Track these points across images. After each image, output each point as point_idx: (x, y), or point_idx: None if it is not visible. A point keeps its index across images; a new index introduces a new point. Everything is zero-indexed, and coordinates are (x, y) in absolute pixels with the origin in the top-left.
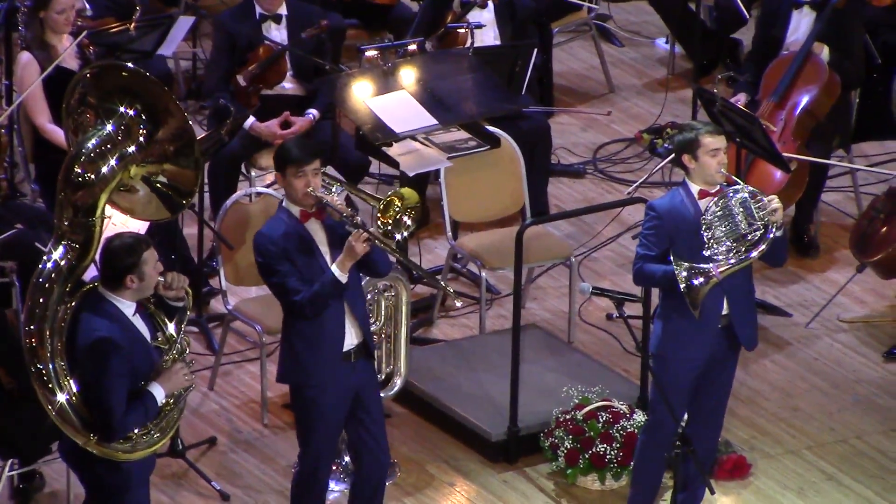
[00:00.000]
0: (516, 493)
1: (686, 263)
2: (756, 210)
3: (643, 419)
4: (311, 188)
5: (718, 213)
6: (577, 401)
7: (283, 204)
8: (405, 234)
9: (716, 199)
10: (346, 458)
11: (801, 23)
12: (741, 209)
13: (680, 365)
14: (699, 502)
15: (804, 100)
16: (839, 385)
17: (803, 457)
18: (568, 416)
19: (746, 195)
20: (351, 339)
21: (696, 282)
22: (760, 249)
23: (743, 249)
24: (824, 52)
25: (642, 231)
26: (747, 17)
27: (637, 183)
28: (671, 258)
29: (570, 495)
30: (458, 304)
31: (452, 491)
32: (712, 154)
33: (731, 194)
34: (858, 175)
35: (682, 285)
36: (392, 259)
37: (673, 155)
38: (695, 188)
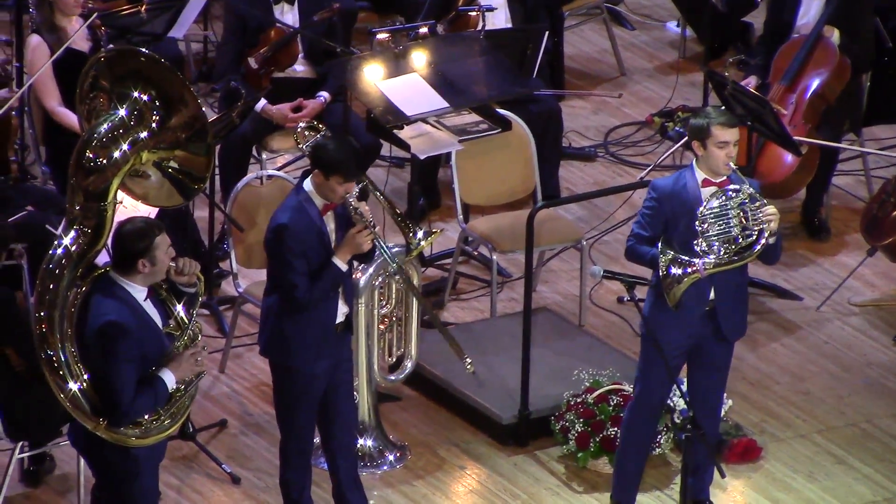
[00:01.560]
0: (527, 476)
1: (671, 253)
2: (753, 215)
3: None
4: (349, 195)
5: (715, 211)
6: (587, 384)
7: (308, 191)
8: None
9: (715, 195)
10: None
11: (812, 6)
12: (738, 211)
13: (664, 345)
14: (708, 486)
15: (815, 83)
16: (850, 368)
17: (814, 440)
18: (579, 400)
19: (746, 198)
20: (339, 316)
21: (675, 271)
22: (750, 255)
23: (733, 251)
24: (835, 35)
25: (641, 209)
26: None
27: (649, 167)
28: (658, 244)
29: (580, 478)
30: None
31: (463, 474)
32: (721, 146)
33: (731, 194)
34: (869, 158)
35: (662, 272)
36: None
37: (685, 139)
38: (700, 175)
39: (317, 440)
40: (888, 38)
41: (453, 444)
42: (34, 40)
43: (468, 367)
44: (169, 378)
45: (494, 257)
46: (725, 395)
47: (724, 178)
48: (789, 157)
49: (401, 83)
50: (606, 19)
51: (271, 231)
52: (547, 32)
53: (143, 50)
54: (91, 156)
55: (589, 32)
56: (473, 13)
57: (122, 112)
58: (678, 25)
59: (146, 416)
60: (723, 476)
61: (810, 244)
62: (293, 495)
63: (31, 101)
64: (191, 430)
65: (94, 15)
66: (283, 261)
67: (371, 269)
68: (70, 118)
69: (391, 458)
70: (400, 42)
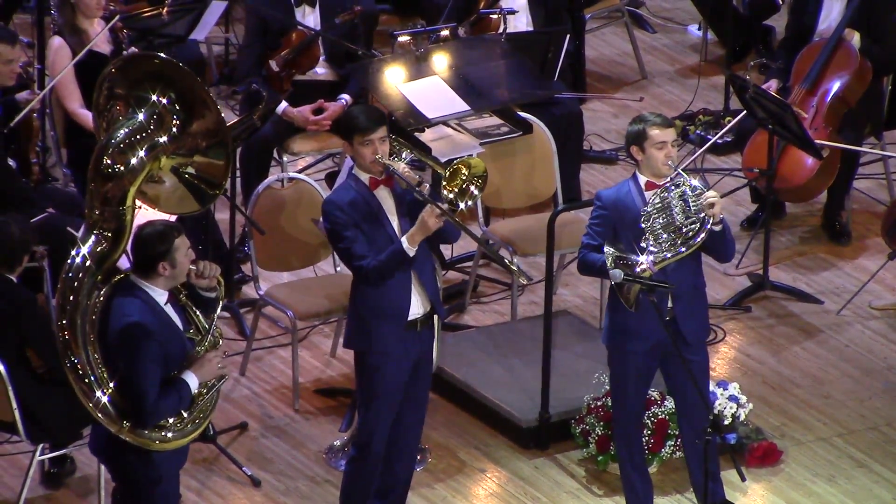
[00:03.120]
0: (547, 480)
1: (614, 251)
2: (693, 203)
3: (674, 406)
4: (378, 155)
5: (658, 205)
6: (608, 387)
7: (353, 171)
8: (470, 202)
9: (656, 191)
10: None
11: (833, 9)
12: (680, 202)
13: (629, 356)
14: (721, 487)
15: (836, 86)
16: (870, 372)
17: (834, 444)
18: (599, 403)
19: (686, 189)
20: (416, 308)
21: (620, 271)
22: (695, 243)
23: (679, 242)
24: (855, 38)
25: (589, 220)
26: (780, 3)
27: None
28: (604, 247)
29: (600, 482)
30: (523, 281)
31: (483, 477)
32: (659, 147)
33: (671, 187)
34: (890, 162)
35: (609, 267)
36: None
37: (708, 143)
38: (643, 180)
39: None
40: None
41: (473, 446)
42: (56, 42)
43: (517, 273)
44: (192, 380)
45: (515, 260)
46: (746, 398)
47: (668, 179)
48: (810, 161)
49: (422, 86)
50: (628, 22)
51: (322, 212)
52: (568, 35)
53: (160, 54)
54: (109, 162)
55: (610, 35)
56: (495, 16)
57: (140, 116)
58: (699, 29)
59: (169, 420)
60: (743, 479)
61: (831, 248)
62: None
63: (52, 104)
64: (211, 432)
65: (116, 17)
66: (337, 236)
67: None
68: (91, 120)
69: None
70: (421, 45)
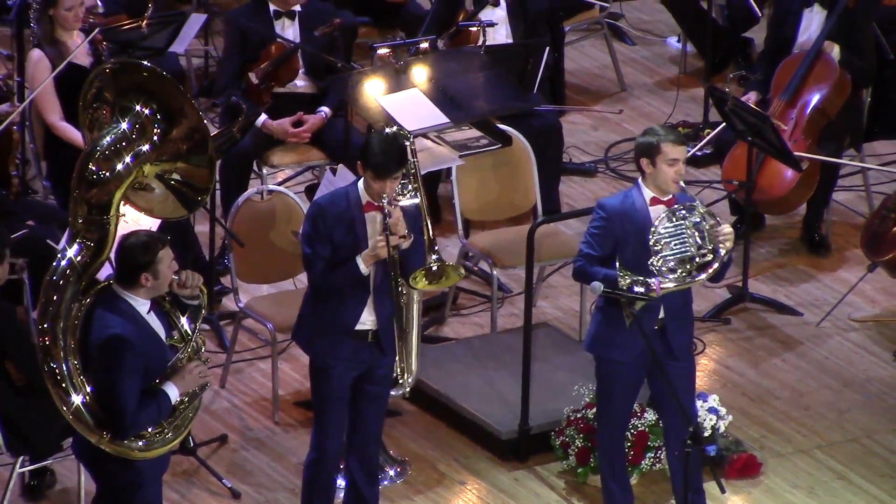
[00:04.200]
0: (527, 492)
1: (630, 276)
2: (709, 234)
3: (654, 418)
4: (385, 196)
5: (671, 230)
6: (587, 399)
7: (359, 185)
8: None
9: (668, 215)
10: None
11: (813, 21)
12: (694, 231)
13: (616, 367)
14: (705, 500)
15: (815, 98)
16: (850, 384)
17: (814, 456)
18: (579, 415)
19: (699, 218)
20: (365, 324)
21: (638, 289)
22: (706, 275)
23: (688, 270)
24: (835, 50)
25: (589, 228)
26: (759, 15)
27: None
28: (616, 264)
29: (580, 494)
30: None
31: (463, 489)
32: (670, 163)
33: (684, 213)
34: (870, 174)
35: (624, 291)
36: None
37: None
38: (648, 193)
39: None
40: (889, 51)
41: (453, 459)
42: (35, 55)
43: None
44: (172, 391)
45: (495, 272)
46: (725, 410)
47: (671, 196)
48: (790, 173)
49: (401, 98)
50: (607, 35)
51: (307, 211)
52: (548, 48)
53: (146, 63)
54: (94, 168)
55: (590, 48)
56: (474, 28)
57: (124, 125)
58: (679, 41)
59: (150, 429)
60: (722, 491)
61: (811, 260)
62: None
63: (32, 116)
64: (191, 444)
65: (96, 30)
66: (306, 237)
67: None
68: (71, 133)
69: (391, 472)
70: (401, 57)
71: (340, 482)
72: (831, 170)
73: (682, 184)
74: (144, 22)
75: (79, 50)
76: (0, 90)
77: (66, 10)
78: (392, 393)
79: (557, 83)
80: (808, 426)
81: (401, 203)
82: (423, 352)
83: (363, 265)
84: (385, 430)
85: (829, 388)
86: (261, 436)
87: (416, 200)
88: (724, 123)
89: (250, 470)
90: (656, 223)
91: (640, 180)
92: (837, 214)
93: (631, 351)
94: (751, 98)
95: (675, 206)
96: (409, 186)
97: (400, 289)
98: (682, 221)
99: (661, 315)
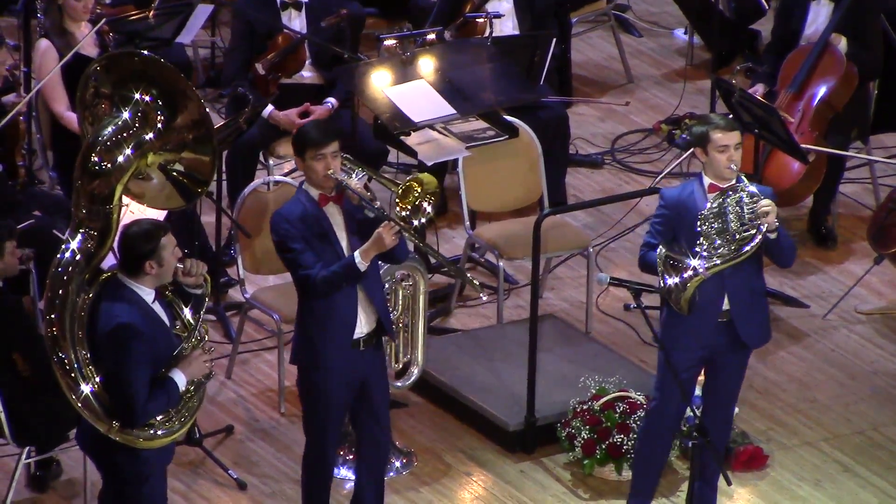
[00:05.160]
0: (533, 483)
1: (665, 253)
2: (749, 211)
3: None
4: (330, 171)
5: (714, 210)
6: (594, 391)
7: (303, 186)
8: (423, 220)
9: (714, 196)
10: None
11: (820, 14)
12: (736, 208)
13: (679, 354)
14: (715, 493)
15: (822, 91)
16: (856, 377)
17: (820, 448)
18: (585, 407)
19: (743, 195)
20: (362, 327)
21: (672, 275)
22: (747, 250)
23: (732, 248)
24: (842, 43)
25: (652, 218)
26: (766, 7)
27: (659, 175)
28: (659, 249)
29: (586, 485)
30: (484, 297)
31: (469, 480)
32: (721, 150)
33: (728, 193)
34: (876, 166)
35: (660, 272)
36: (411, 247)
37: (692, 146)
38: (707, 182)
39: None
40: None
41: (459, 450)
42: (42, 45)
43: (475, 287)
44: (180, 379)
45: (501, 264)
46: None
47: (731, 182)
48: (796, 165)
49: (408, 89)
50: (614, 26)
51: (270, 225)
52: (554, 39)
53: (140, 51)
54: (96, 159)
55: (597, 39)
56: (481, 20)
57: (125, 115)
58: (686, 33)
59: (157, 418)
60: (728, 483)
61: (817, 252)
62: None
63: (38, 106)
64: (197, 435)
65: (103, 20)
66: (284, 247)
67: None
68: (77, 123)
69: (397, 464)
70: (407, 48)
71: (345, 472)
72: (838, 162)
73: (734, 168)
74: (151, 13)
75: (86, 40)
76: (7, 80)
77: (75, 1)
78: (398, 384)
79: (564, 75)
80: (815, 418)
81: (353, 182)
82: (429, 343)
83: (361, 260)
84: (391, 421)
85: (835, 381)
86: (266, 427)
87: (363, 175)
88: (730, 116)
89: (256, 461)
90: (704, 208)
91: (701, 170)
92: (844, 207)
93: (697, 340)
94: (758, 90)
95: (723, 189)
96: (355, 172)
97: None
98: (725, 199)
99: (727, 307)
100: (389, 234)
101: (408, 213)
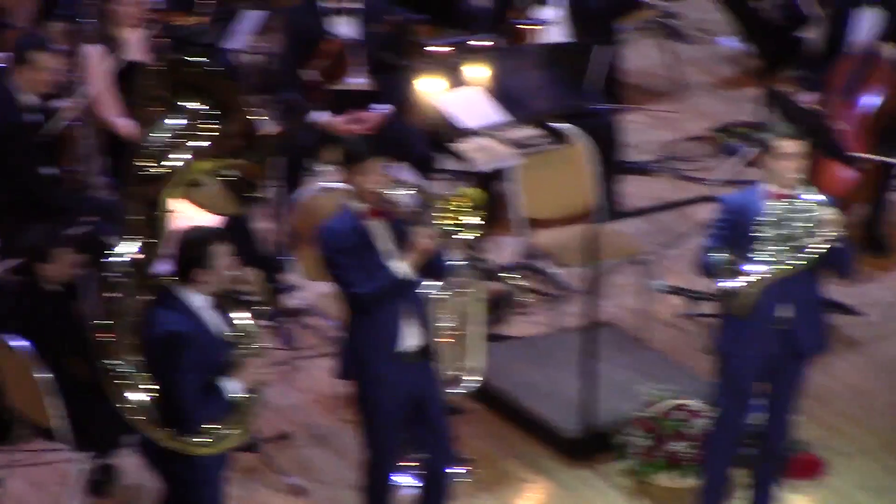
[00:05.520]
0: (591, 490)
1: (722, 257)
2: (811, 219)
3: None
4: (375, 185)
5: (775, 217)
6: (651, 399)
7: (349, 200)
8: (470, 234)
9: (772, 202)
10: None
11: (868, 21)
12: (799, 215)
13: (738, 362)
14: (774, 501)
15: (871, 98)
16: None
17: (878, 456)
18: (643, 414)
19: (806, 203)
20: (409, 340)
21: (731, 280)
22: (808, 258)
23: (794, 256)
24: (891, 50)
25: (712, 223)
26: (815, 15)
27: (714, 182)
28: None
29: (644, 493)
30: (537, 304)
31: (527, 487)
32: (782, 158)
33: (790, 200)
34: None
35: (719, 276)
36: (463, 256)
37: (743, 153)
38: (769, 189)
39: None
40: None
41: (517, 457)
42: (92, 50)
43: (524, 294)
44: (233, 387)
45: (556, 271)
46: None
47: (792, 189)
48: (848, 173)
49: (460, 96)
50: (664, 34)
51: (318, 240)
52: (605, 47)
53: (199, 59)
54: (148, 165)
55: (647, 47)
56: (531, 26)
57: (177, 121)
58: (736, 40)
59: (211, 425)
60: (786, 492)
61: (870, 259)
62: None
63: (90, 112)
64: (255, 441)
65: (154, 26)
66: (332, 263)
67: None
68: (128, 128)
69: (456, 471)
70: (458, 55)
71: (406, 479)
72: (889, 169)
73: (797, 176)
74: (201, 18)
75: (135, 46)
76: (58, 86)
77: (123, 6)
78: (456, 391)
79: (615, 82)
80: (872, 426)
81: (399, 195)
82: (488, 350)
83: (409, 270)
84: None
85: (892, 388)
86: (324, 432)
87: (410, 189)
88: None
89: (313, 467)
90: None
91: (764, 176)
92: None
93: (759, 348)
94: (807, 98)
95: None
96: (400, 186)
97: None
98: (788, 207)
99: (785, 313)
100: (427, 239)
101: (455, 226)
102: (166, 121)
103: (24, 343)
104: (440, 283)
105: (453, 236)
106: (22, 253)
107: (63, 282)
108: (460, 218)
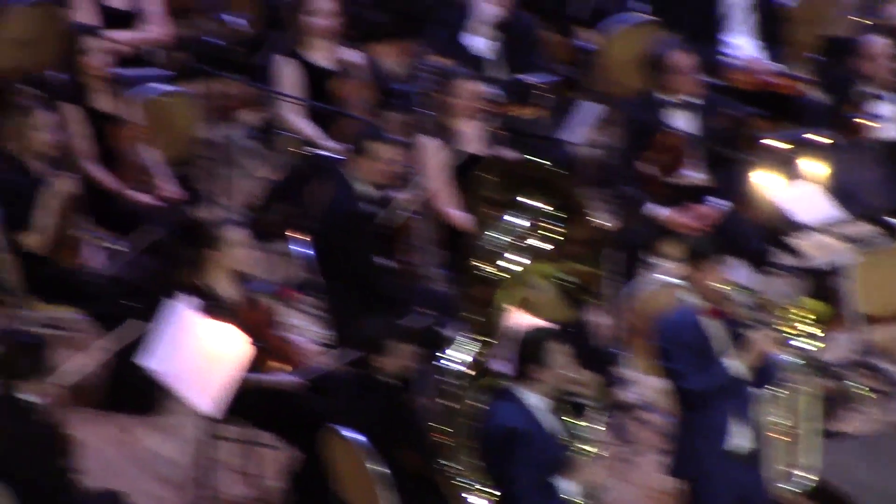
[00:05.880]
0: None
1: None
2: None
3: None
4: (715, 283)
5: None
6: None
7: (689, 296)
8: (810, 346)
9: None
10: None
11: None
12: None
13: None
14: None
15: None
16: None
17: None
18: None
19: None
20: (738, 439)
21: None
22: None
23: None
24: None
25: None
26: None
27: None
28: None
29: None
30: (866, 397)
31: None
32: None
33: None
34: None
35: None
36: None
37: None
38: None
39: None
40: None
41: None
42: (428, 142)
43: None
44: (569, 487)
45: (893, 368)
46: None
47: None
48: None
49: (794, 191)
50: None
51: (655, 332)
52: None
53: (545, 161)
54: (485, 265)
55: None
56: (868, 122)
57: (519, 221)
58: None
59: None
60: None
61: None
62: None
63: (426, 204)
64: None
65: (490, 117)
66: (666, 357)
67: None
68: (465, 222)
69: None
70: (795, 149)
71: None
72: None
73: None
74: (537, 110)
75: (472, 137)
76: (394, 177)
77: (460, 98)
78: (787, 487)
79: None
80: None
81: (736, 296)
82: (826, 448)
83: (743, 370)
84: None
85: None
86: None
87: (746, 292)
88: None
89: None
90: None
91: None
92: None
93: None
94: None
95: None
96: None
97: None
98: None
99: None
100: (766, 342)
101: (793, 334)
102: (507, 218)
103: (360, 436)
104: (769, 386)
105: (790, 343)
106: (359, 345)
107: (398, 375)
108: (800, 327)
